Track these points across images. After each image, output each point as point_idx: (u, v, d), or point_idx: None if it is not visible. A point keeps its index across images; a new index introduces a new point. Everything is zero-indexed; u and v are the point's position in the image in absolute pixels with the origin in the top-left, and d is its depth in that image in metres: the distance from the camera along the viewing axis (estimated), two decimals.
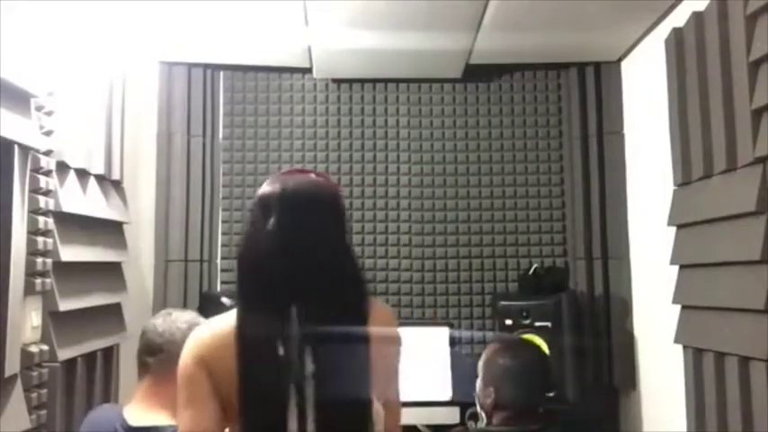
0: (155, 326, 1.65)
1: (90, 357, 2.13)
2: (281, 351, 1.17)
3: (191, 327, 1.53)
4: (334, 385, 1.17)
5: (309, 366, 1.16)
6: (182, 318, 1.66)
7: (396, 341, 1.36)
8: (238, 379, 1.18)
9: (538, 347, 2.06)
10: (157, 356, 1.60)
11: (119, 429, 1.55)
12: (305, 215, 1.25)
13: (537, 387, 1.87)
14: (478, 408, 1.93)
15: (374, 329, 1.24)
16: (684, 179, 2.13)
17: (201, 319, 1.59)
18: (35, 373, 1.79)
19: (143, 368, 1.64)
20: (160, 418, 1.55)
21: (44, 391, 1.84)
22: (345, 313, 1.23)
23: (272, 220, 1.24)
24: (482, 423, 1.89)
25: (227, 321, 1.25)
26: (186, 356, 1.26)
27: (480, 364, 1.95)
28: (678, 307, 2.16)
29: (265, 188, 1.30)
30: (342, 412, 1.18)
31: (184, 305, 2.84)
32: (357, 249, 3.00)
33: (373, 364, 1.22)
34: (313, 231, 1.25)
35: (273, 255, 1.23)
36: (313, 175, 1.36)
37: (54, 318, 1.91)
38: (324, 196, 1.31)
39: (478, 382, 1.92)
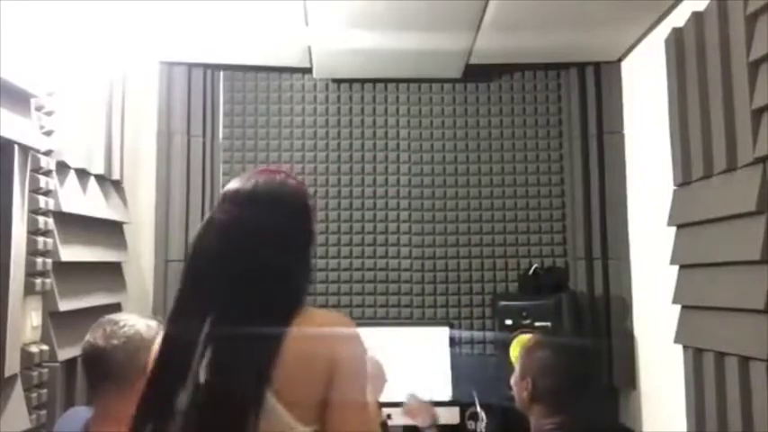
0: (95, 346, 1.49)
1: None
2: (189, 351, 1.16)
3: (130, 339, 1.47)
4: (218, 395, 1.11)
5: (204, 369, 1.12)
6: (119, 332, 1.49)
7: (334, 363, 1.13)
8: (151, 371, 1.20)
9: (581, 343, 2.04)
10: (110, 381, 1.46)
11: None
12: (225, 214, 1.24)
13: (574, 382, 1.85)
14: (517, 403, 1.91)
15: (298, 346, 1.13)
16: (684, 179, 2.13)
17: (140, 325, 1.51)
18: (35, 373, 1.80)
19: (95, 391, 1.50)
20: None
21: (44, 391, 1.85)
22: (255, 320, 1.14)
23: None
24: (482, 423, 1.89)
25: None
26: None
27: (519, 357, 1.94)
28: (678, 307, 2.16)
29: None
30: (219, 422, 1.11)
31: None
32: (357, 250, 3.01)
33: (298, 383, 1.11)
34: (231, 231, 1.23)
35: (196, 255, 1.29)
36: (275, 175, 1.28)
37: (54, 318, 1.91)
38: (254, 196, 1.24)
39: (514, 376, 1.91)
